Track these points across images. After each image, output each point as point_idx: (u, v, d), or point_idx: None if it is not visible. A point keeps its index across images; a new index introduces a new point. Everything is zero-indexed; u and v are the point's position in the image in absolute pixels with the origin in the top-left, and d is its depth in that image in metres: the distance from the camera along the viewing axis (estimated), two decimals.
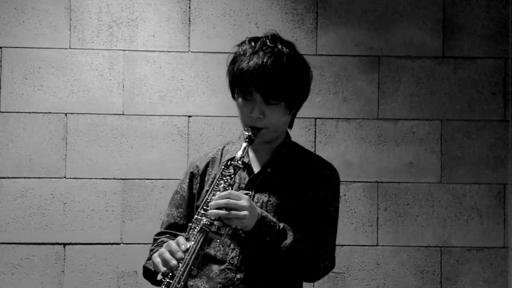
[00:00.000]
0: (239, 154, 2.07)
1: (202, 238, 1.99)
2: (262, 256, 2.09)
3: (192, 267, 1.99)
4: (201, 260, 2.06)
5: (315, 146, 3.68)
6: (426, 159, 3.71)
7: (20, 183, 3.59)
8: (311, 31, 3.72)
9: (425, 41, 3.74)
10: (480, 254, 3.70)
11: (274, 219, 2.06)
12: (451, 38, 3.75)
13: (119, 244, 3.61)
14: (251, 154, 2.22)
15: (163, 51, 3.67)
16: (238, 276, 2.09)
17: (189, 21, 3.69)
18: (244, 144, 2.09)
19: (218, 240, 2.06)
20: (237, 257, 2.11)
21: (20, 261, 3.57)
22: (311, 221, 2.14)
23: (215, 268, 2.11)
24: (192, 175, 2.26)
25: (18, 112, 3.61)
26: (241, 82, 2.09)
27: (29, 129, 3.61)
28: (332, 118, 3.71)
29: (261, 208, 2.10)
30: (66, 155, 3.62)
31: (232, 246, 2.12)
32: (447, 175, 3.71)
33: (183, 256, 1.97)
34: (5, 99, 3.61)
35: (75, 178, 3.61)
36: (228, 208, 1.98)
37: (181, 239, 2.02)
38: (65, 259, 3.58)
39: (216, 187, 2.06)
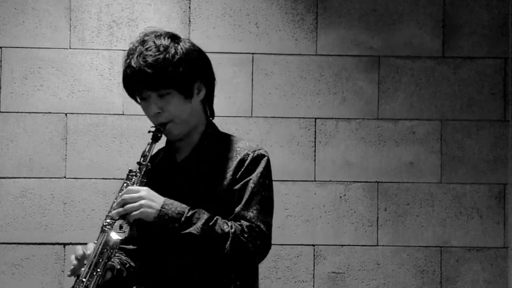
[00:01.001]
0: (143, 152, 2.11)
1: (103, 239, 2.01)
2: (176, 245, 2.07)
3: (98, 269, 2.00)
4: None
5: (315, 146, 3.68)
6: (426, 159, 3.71)
7: (20, 183, 3.59)
8: (311, 31, 3.72)
9: (425, 41, 3.74)
10: (480, 254, 3.70)
11: (184, 206, 2.03)
12: (451, 38, 3.75)
13: None
14: (177, 155, 2.22)
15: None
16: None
17: (189, 21, 3.69)
18: (149, 142, 2.12)
19: (123, 238, 2.04)
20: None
21: (20, 261, 3.57)
22: (234, 202, 2.09)
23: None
24: None
25: (18, 112, 3.61)
26: (129, 86, 2.14)
27: (29, 129, 3.61)
28: (332, 118, 3.71)
29: (183, 201, 2.06)
30: (66, 155, 3.62)
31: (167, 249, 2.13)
32: (447, 175, 3.71)
33: (79, 260, 2.01)
34: (5, 99, 3.61)
35: (75, 178, 3.61)
36: (125, 203, 2.01)
37: (89, 244, 2.06)
38: (65, 259, 3.58)
39: (121, 189, 2.09)
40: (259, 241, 2.05)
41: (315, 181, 3.67)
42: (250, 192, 2.09)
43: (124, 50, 3.63)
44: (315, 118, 3.70)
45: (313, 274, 3.65)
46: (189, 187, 2.13)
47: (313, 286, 3.64)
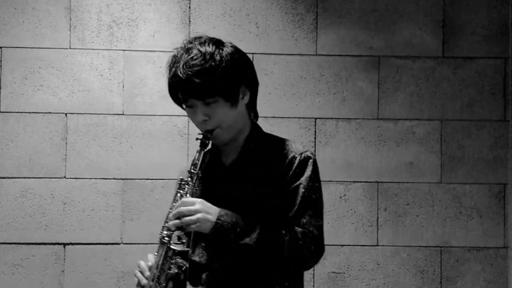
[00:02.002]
0: (193, 160, 2.12)
1: (164, 251, 2.04)
2: (233, 254, 2.08)
3: (162, 282, 2.03)
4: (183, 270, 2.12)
5: (315, 146, 3.68)
6: (426, 159, 3.71)
7: (20, 183, 3.59)
8: (311, 31, 3.72)
9: (425, 41, 3.74)
10: (480, 254, 3.70)
11: (238, 216, 2.04)
12: (451, 38, 3.75)
13: (119, 244, 3.61)
14: (223, 158, 2.22)
15: (163, 51, 3.67)
16: (203, 276, 2.13)
17: (189, 21, 3.69)
18: (198, 149, 2.13)
19: (187, 248, 2.07)
20: (205, 257, 2.14)
21: (20, 261, 3.57)
22: (287, 209, 2.10)
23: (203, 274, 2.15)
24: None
25: (18, 112, 3.62)
26: (175, 93, 2.15)
27: (29, 129, 3.61)
28: (332, 118, 3.71)
29: (233, 206, 2.08)
30: (66, 155, 3.62)
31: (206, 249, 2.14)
32: (447, 175, 3.72)
33: (148, 274, 2.05)
34: (5, 99, 3.61)
35: (75, 178, 3.61)
36: (181, 216, 2.02)
37: (149, 256, 2.08)
38: (65, 259, 3.58)
39: (174, 199, 2.11)
40: (313, 247, 2.08)
41: None
42: (301, 197, 2.10)
43: (124, 50, 3.66)
44: (315, 118, 3.70)
45: (313, 274, 3.65)
46: (238, 191, 2.14)
47: (313, 286, 3.64)
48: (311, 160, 2.15)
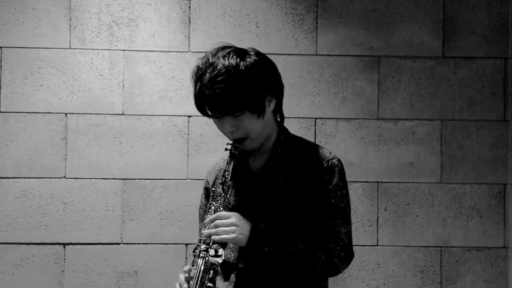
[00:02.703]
0: (224, 172, 2.14)
1: (202, 265, 2.06)
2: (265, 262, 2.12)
3: None
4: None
5: None
6: (426, 159, 3.71)
7: (20, 183, 3.59)
8: (311, 31, 3.72)
9: (425, 41, 3.74)
10: (480, 254, 3.70)
11: (270, 231, 2.08)
12: (451, 38, 3.75)
13: (119, 244, 3.61)
14: (251, 161, 2.24)
15: (163, 51, 3.67)
16: (232, 275, 2.15)
17: (189, 21, 3.69)
18: (228, 159, 2.14)
19: (222, 261, 2.09)
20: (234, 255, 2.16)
21: (20, 261, 3.57)
22: (316, 216, 2.14)
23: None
24: (206, 190, 2.33)
25: (18, 112, 3.61)
26: (201, 107, 2.13)
27: (29, 129, 3.61)
28: (332, 118, 3.71)
29: (263, 212, 2.12)
30: (66, 155, 3.62)
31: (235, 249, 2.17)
32: (447, 175, 3.71)
33: (186, 286, 2.07)
34: (5, 99, 3.61)
35: (75, 178, 3.61)
36: (218, 229, 2.04)
37: (186, 267, 2.11)
38: (65, 259, 3.58)
39: (209, 210, 2.13)
40: (343, 253, 2.13)
41: None
42: (330, 206, 2.14)
43: (124, 50, 3.66)
44: (315, 118, 3.70)
45: None
46: (267, 196, 2.16)
47: None
48: (337, 168, 2.19)
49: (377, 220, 3.69)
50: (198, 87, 2.11)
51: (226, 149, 2.16)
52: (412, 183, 3.71)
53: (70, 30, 3.65)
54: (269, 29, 3.71)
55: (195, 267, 2.07)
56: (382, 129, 3.72)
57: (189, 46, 3.68)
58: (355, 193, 3.68)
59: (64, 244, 3.60)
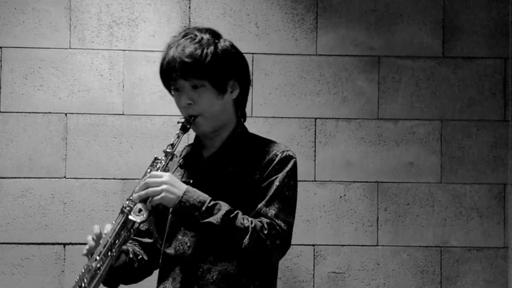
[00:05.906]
0: (170, 141, 2.14)
1: (121, 220, 2.04)
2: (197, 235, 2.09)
3: (113, 250, 2.03)
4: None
5: (315, 146, 3.68)
6: (426, 159, 3.71)
7: (20, 183, 3.59)
8: (311, 31, 3.72)
9: (425, 41, 3.74)
10: (480, 254, 3.70)
11: (206, 196, 2.04)
12: (451, 38, 3.75)
13: None
14: (204, 151, 2.25)
15: (163, 51, 3.66)
16: (177, 269, 2.13)
17: (189, 21, 3.69)
18: (178, 133, 2.16)
19: (142, 221, 2.04)
20: (188, 247, 2.12)
21: (20, 261, 3.57)
22: (258, 200, 2.11)
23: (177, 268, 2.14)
24: None
25: (18, 112, 3.62)
26: (165, 74, 2.16)
27: (29, 129, 3.61)
28: (332, 118, 3.71)
29: (209, 195, 2.07)
30: (66, 155, 3.62)
31: (187, 242, 2.13)
32: (447, 175, 3.72)
33: (95, 240, 2.07)
34: (5, 99, 3.61)
35: (75, 178, 3.61)
36: (147, 187, 2.02)
37: (107, 225, 2.10)
38: (65, 259, 3.58)
39: (145, 174, 2.11)
40: (278, 240, 2.07)
41: (315, 181, 3.67)
42: (274, 190, 2.10)
43: (124, 50, 3.66)
44: (315, 118, 3.70)
45: (313, 274, 3.65)
46: (215, 182, 2.14)
47: (313, 286, 3.64)
48: (292, 160, 2.16)
49: (377, 220, 3.69)
50: (165, 53, 2.15)
51: (178, 122, 2.17)
52: (412, 183, 3.71)
53: (70, 30, 3.65)
54: (269, 29, 3.71)
55: (113, 222, 2.05)
56: (382, 129, 3.72)
57: None
58: (355, 193, 3.68)
59: (64, 244, 3.60)
